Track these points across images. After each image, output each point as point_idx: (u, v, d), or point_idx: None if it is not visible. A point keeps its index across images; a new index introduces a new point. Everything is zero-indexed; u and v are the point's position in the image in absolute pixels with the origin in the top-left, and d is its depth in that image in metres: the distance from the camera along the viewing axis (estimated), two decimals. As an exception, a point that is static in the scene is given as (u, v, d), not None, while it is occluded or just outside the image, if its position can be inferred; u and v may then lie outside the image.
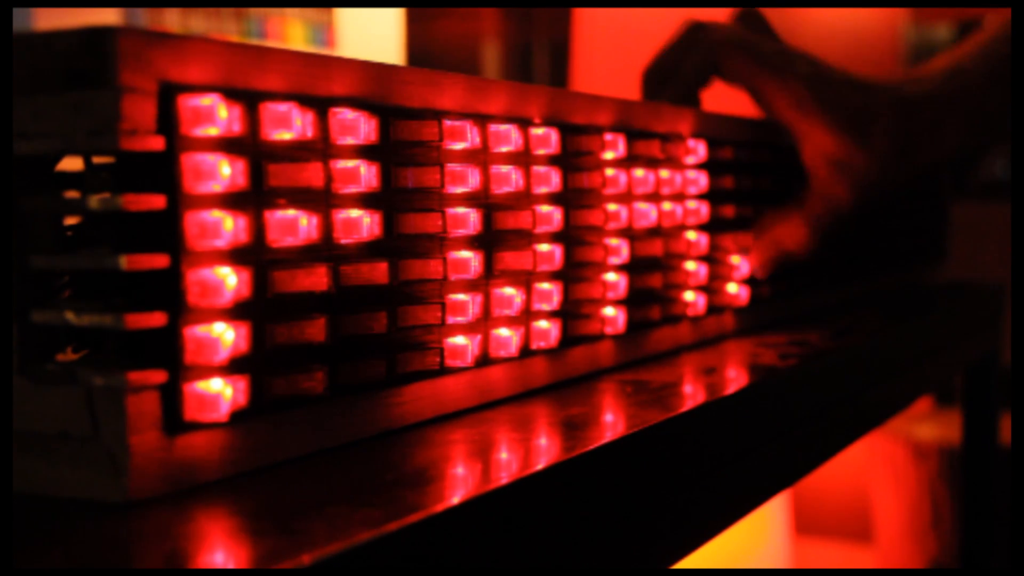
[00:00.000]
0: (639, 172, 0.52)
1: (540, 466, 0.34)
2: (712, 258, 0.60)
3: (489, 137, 0.43)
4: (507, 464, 0.36)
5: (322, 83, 0.36)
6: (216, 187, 0.32)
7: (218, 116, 0.32)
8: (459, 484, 0.33)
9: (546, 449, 0.38)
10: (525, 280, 0.45)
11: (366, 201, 0.37)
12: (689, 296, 0.58)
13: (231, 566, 0.26)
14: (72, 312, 0.31)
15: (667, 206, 0.55)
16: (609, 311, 0.51)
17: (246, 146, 0.33)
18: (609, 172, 0.50)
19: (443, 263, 0.41)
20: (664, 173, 0.55)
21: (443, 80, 0.40)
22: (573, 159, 0.47)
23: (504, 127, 0.43)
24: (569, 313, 0.48)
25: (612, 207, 0.50)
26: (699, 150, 0.58)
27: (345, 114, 0.36)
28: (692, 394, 0.47)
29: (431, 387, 0.41)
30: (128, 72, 0.30)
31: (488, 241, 0.43)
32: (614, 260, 0.51)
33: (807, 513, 2.07)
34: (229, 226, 0.32)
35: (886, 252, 0.88)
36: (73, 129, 0.30)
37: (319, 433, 0.36)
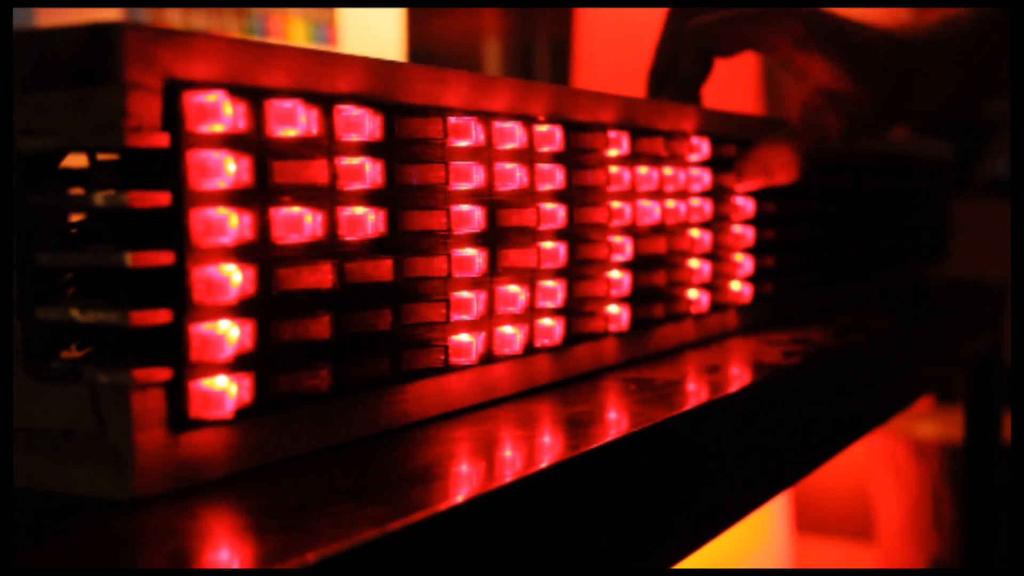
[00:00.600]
0: (643, 169, 0.52)
1: (544, 464, 0.34)
2: (716, 256, 0.60)
3: (493, 134, 0.43)
4: (511, 462, 0.36)
5: (327, 80, 0.35)
6: (221, 184, 0.32)
7: (223, 113, 0.31)
8: (463, 482, 0.33)
9: (550, 447, 0.38)
10: (529, 277, 0.45)
11: (371, 198, 0.37)
12: (693, 294, 0.58)
13: (236, 565, 0.26)
14: (77, 309, 0.31)
15: (671, 203, 0.55)
16: (613, 309, 0.51)
17: (251, 143, 0.33)
18: (613, 169, 0.50)
19: (447, 260, 0.41)
20: (668, 170, 0.54)
21: (447, 77, 0.40)
22: (577, 156, 0.47)
23: (508, 124, 0.43)
24: (573, 311, 0.48)
25: (616, 204, 0.50)
26: (703, 147, 0.58)
27: (350, 111, 0.36)
28: (696, 392, 0.47)
29: (435, 384, 0.41)
30: (133, 69, 0.30)
31: (492, 238, 0.43)
32: (618, 257, 0.51)
33: (808, 511, 2.07)
34: (234, 223, 0.32)
35: (888, 251, 0.88)
36: (78, 126, 0.30)
37: (324, 430, 0.36)
